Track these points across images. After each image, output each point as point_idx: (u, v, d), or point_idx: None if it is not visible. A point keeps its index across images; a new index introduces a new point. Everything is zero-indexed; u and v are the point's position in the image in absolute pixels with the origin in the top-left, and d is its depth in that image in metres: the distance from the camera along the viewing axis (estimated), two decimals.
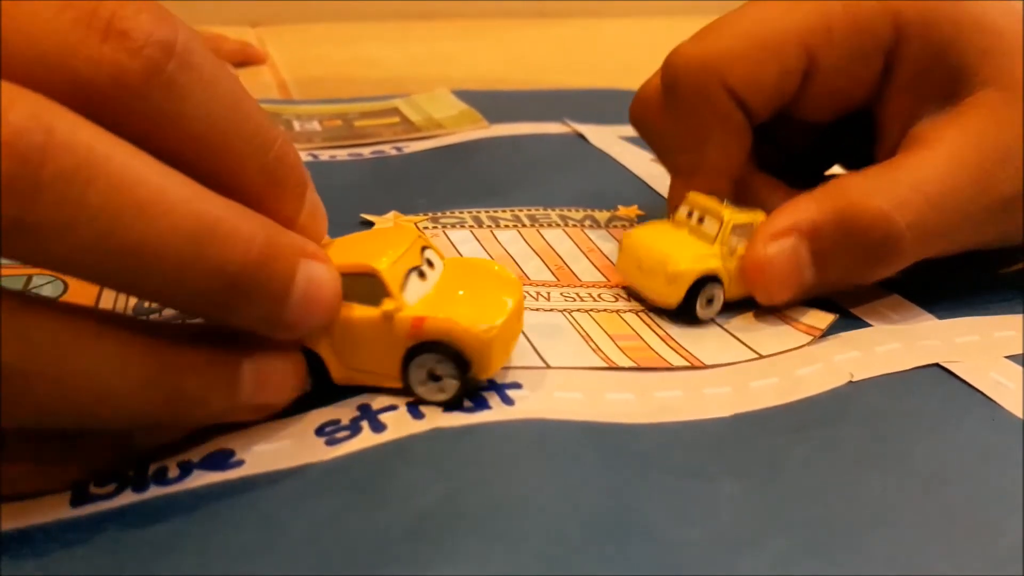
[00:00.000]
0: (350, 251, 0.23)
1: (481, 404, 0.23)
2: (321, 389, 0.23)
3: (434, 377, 0.23)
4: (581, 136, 0.48)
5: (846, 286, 0.29)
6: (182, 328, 0.21)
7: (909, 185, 0.27)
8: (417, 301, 0.23)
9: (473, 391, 0.24)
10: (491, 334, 0.23)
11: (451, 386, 0.23)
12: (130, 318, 0.20)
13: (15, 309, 0.17)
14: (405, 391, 0.23)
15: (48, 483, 0.20)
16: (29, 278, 0.31)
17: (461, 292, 0.24)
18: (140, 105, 0.18)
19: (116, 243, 0.17)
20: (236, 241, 0.19)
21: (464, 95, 0.54)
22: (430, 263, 0.25)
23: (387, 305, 0.23)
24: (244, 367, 0.21)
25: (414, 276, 0.24)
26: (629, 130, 0.36)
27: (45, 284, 0.30)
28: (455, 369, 0.23)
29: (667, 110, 0.32)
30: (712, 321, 0.28)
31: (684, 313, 0.28)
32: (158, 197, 0.18)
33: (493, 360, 0.23)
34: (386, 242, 0.24)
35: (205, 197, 0.19)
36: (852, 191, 0.28)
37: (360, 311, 0.23)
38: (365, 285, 0.23)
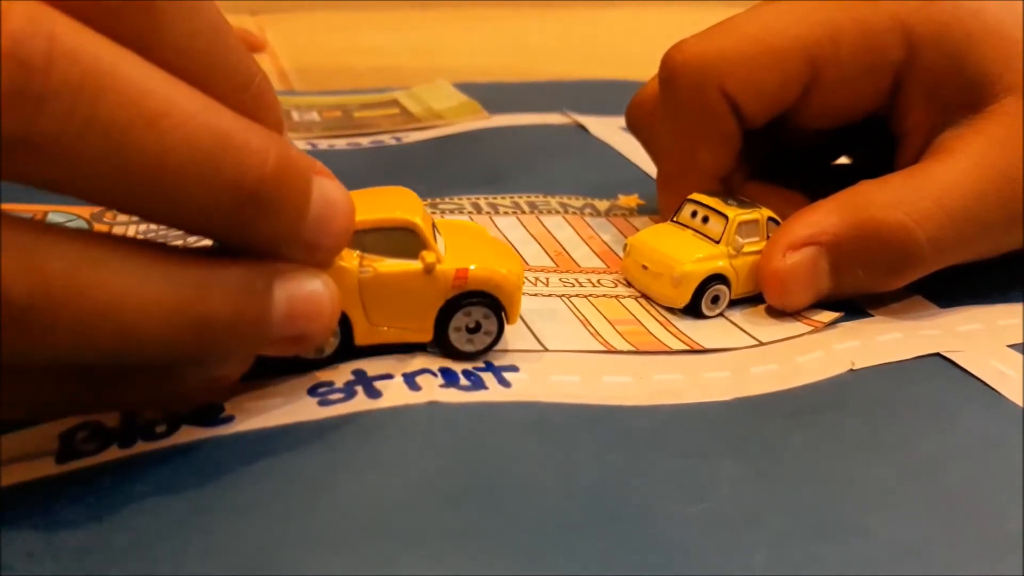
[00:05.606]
0: (367, 206, 0.23)
1: (478, 384, 0.23)
2: (343, 352, 0.23)
3: (468, 328, 0.24)
4: (581, 127, 0.48)
5: (860, 294, 0.28)
6: (205, 251, 0.19)
7: (932, 197, 0.27)
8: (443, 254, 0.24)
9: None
10: (521, 280, 0.24)
11: (488, 334, 0.24)
12: (150, 242, 0.18)
13: (29, 241, 0.16)
14: (434, 344, 0.24)
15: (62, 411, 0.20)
16: (44, 215, 0.30)
17: (471, 247, 0.24)
18: (114, 23, 0.17)
19: (127, 159, 0.16)
20: (251, 154, 0.18)
21: (464, 87, 0.53)
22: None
23: (428, 257, 0.23)
24: (276, 289, 0.19)
25: (436, 232, 0.24)
26: None
27: (67, 223, 0.29)
28: (494, 317, 0.24)
29: (661, 107, 0.31)
30: None
31: (690, 312, 0.28)
32: (169, 108, 0.16)
33: (519, 306, 0.24)
34: (401, 199, 0.24)
35: (215, 109, 0.17)
36: (874, 203, 0.27)
37: (393, 265, 0.23)
38: (398, 239, 0.23)
